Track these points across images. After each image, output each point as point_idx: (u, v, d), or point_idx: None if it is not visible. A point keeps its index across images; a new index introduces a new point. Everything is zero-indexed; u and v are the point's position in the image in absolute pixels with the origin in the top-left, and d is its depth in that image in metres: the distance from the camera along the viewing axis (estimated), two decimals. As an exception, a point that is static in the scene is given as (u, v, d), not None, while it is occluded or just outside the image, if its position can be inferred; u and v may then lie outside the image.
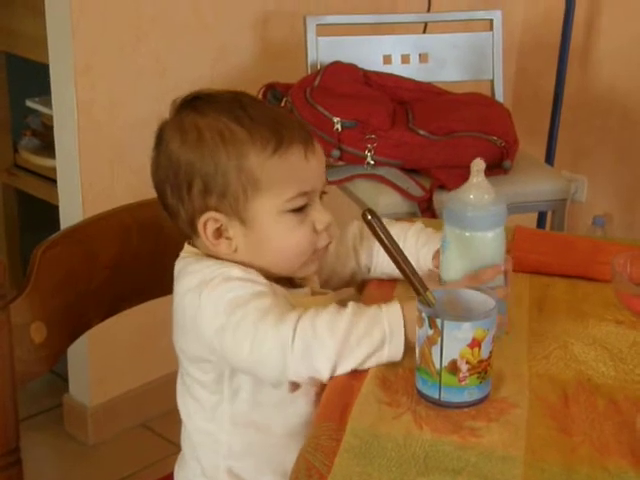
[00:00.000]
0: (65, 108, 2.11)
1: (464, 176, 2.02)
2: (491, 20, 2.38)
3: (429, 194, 2.00)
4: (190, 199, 1.11)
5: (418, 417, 0.98)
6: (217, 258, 1.12)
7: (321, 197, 1.13)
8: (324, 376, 1.03)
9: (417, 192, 2.01)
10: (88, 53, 2.07)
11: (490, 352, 0.99)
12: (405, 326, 1.03)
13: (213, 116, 1.11)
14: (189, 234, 1.15)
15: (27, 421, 2.39)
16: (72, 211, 2.14)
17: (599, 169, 3.02)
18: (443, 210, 1.12)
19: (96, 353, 2.26)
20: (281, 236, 1.11)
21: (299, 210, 1.11)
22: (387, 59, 2.33)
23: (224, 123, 1.10)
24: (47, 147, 2.38)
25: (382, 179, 2.04)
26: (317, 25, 2.24)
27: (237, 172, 1.09)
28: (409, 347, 1.04)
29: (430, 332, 0.98)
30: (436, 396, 0.99)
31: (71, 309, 1.20)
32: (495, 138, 2.08)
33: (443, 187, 2.03)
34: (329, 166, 2.13)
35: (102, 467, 2.24)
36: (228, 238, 1.11)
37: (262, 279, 1.09)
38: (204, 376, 1.13)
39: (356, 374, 1.04)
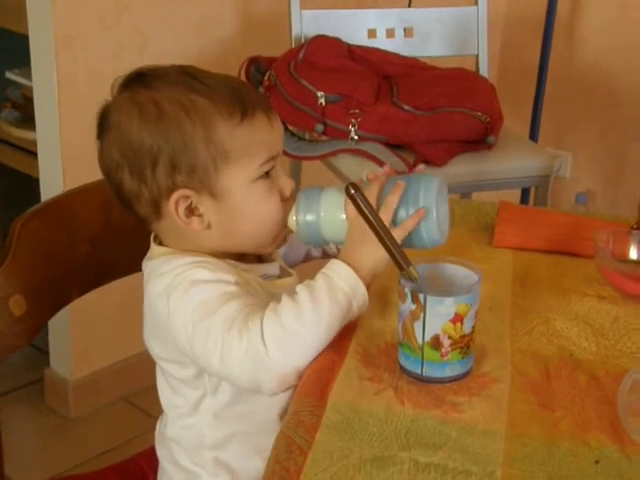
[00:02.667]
0: (45, 80, 2.09)
1: (448, 151, 2.06)
2: (477, -6, 2.37)
3: (412, 169, 2.00)
4: (154, 179, 1.06)
5: (400, 392, 0.98)
6: (188, 250, 1.10)
7: None
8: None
9: (400, 167, 2.00)
10: (68, 24, 2.05)
11: (473, 327, 0.99)
12: (357, 274, 1.03)
13: (168, 89, 1.06)
14: (149, 218, 1.11)
15: (8, 395, 2.39)
16: (53, 184, 2.13)
17: (583, 145, 3.02)
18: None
19: (78, 326, 2.25)
20: (254, 205, 1.08)
21: (266, 175, 1.09)
22: (372, 33, 2.31)
23: (183, 94, 1.06)
24: (28, 119, 2.35)
25: (366, 154, 2.03)
26: (301, -2, 2.22)
27: (205, 144, 1.05)
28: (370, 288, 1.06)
29: (413, 307, 0.98)
30: (418, 371, 0.99)
31: (51, 282, 1.19)
32: (479, 114, 2.07)
33: (427, 162, 2.03)
34: (313, 141, 2.13)
35: (83, 441, 2.23)
36: (199, 215, 1.08)
37: (230, 275, 1.06)
38: (183, 372, 1.11)
39: (337, 349, 1.03)
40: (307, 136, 2.15)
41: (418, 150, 2.04)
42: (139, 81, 1.09)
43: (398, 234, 1.04)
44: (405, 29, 2.34)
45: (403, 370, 1.01)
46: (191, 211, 1.08)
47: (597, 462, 0.89)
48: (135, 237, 1.26)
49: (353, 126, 2.03)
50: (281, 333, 1.00)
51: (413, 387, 0.99)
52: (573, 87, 2.96)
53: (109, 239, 1.25)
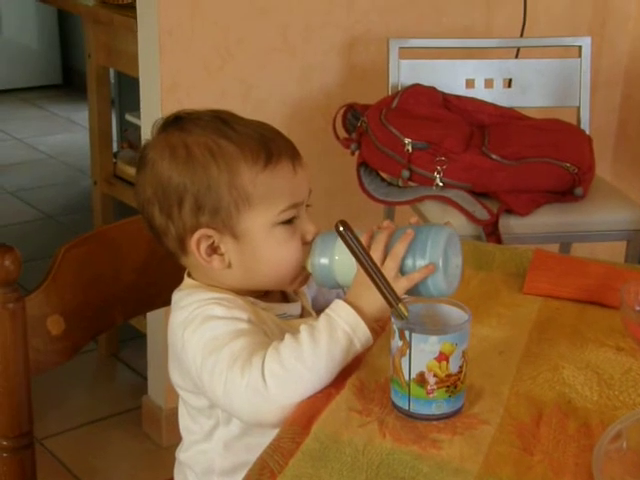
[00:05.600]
0: (152, 122, 2.21)
1: (533, 201, 2.06)
2: (579, 47, 2.36)
3: (495, 218, 2.01)
4: (180, 217, 1.13)
5: (384, 426, 1.00)
6: (212, 285, 1.16)
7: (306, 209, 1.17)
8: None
9: (483, 216, 2.01)
10: (175, 71, 2.17)
11: (460, 367, 1.01)
12: (359, 313, 1.06)
13: (199, 133, 1.13)
14: (177, 253, 1.17)
15: (110, 419, 2.52)
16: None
17: None
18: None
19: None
20: (273, 250, 1.14)
21: (289, 222, 1.14)
22: (470, 83, 2.34)
23: (212, 139, 1.12)
24: (142, 159, 2.50)
25: (450, 201, 2.05)
26: (400, 48, 2.28)
27: (229, 187, 1.11)
28: (374, 325, 1.09)
29: (400, 344, 1.00)
30: (406, 407, 1.01)
31: (94, 306, 1.27)
32: (568, 165, 2.06)
33: (510, 212, 2.04)
34: (402, 187, 2.17)
35: (171, 469, 2.32)
36: (221, 254, 1.14)
37: (245, 313, 1.11)
38: (198, 402, 1.17)
39: (336, 382, 1.07)
40: (400, 182, 2.19)
41: (502, 199, 2.04)
42: (175, 124, 1.17)
43: (404, 285, 1.07)
44: (504, 80, 2.36)
45: (394, 405, 1.03)
46: (214, 250, 1.14)
47: (560, 507, 0.89)
48: (180, 268, 1.34)
49: (438, 173, 2.06)
50: (280, 370, 1.04)
51: (399, 422, 1.01)
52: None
53: (154, 270, 1.33)
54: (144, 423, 2.46)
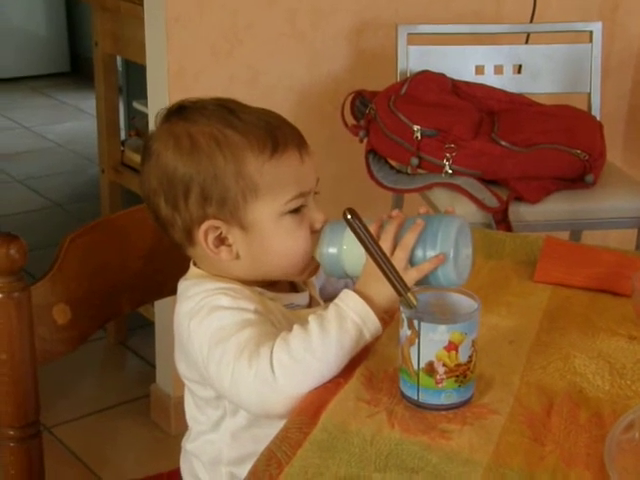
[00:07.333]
0: (159, 109, 2.20)
1: (544, 188, 2.04)
2: (590, 32, 2.33)
3: (505, 205, 1.99)
4: (187, 208, 1.12)
5: (392, 416, 0.99)
6: (218, 276, 1.14)
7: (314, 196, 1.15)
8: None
9: (492, 203, 2.00)
10: (182, 57, 2.16)
11: (470, 357, 0.99)
12: (368, 303, 1.05)
13: (204, 122, 1.11)
14: (183, 244, 1.16)
15: (118, 407, 2.52)
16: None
17: None
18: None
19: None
20: (282, 239, 1.12)
21: (297, 211, 1.12)
22: (479, 69, 2.32)
23: (217, 128, 1.11)
24: (149, 147, 2.48)
25: (459, 189, 2.03)
26: (408, 34, 2.26)
27: (235, 177, 1.10)
28: (383, 315, 1.07)
29: (408, 333, 0.99)
30: (415, 397, 1.00)
31: (101, 295, 1.26)
32: (579, 151, 2.04)
33: (520, 199, 2.02)
34: (412, 174, 2.15)
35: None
36: (229, 245, 1.13)
37: (252, 303, 1.10)
38: (205, 393, 1.16)
39: (344, 372, 1.06)
40: (409, 170, 2.17)
41: (512, 186, 2.02)
42: (179, 113, 1.15)
43: (414, 276, 1.06)
44: (514, 66, 2.34)
45: (402, 395, 1.02)
46: (221, 241, 1.13)
47: (572, 498, 0.88)
48: (187, 257, 1.33)
49: (447, 160, 2.04)
50: (289, 361, 1.03)
51: (408, 412, 1.00)
52: None
53: (161, 258, 1.31)
54: (152, 411, 2.46)
